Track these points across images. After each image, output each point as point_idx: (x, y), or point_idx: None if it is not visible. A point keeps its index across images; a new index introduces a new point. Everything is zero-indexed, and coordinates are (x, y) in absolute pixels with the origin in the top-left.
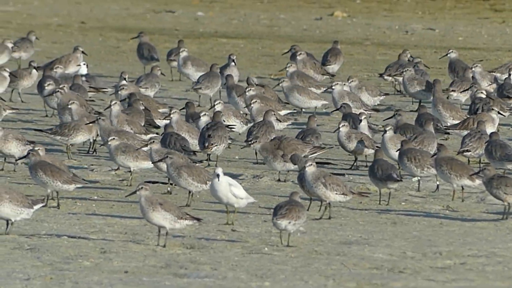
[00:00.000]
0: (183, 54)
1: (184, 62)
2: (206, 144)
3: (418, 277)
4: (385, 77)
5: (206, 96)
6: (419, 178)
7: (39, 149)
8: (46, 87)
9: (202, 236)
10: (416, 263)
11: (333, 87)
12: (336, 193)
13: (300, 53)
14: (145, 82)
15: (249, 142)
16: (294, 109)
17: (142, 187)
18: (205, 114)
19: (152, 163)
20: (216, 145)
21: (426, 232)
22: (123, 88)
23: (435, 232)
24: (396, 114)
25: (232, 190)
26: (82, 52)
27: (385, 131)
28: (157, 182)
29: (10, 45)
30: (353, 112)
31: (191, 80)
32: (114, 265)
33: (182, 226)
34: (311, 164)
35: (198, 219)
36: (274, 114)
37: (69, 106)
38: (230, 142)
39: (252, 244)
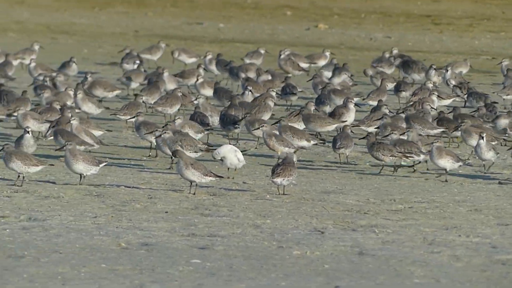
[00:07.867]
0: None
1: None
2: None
3: (378, 217)
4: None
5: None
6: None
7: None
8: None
9: (222, 187)
10: (376, 207)
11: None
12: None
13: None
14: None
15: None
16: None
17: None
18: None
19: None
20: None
21: (384, 185)
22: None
23: (390, 185)
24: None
25: (237, 156)
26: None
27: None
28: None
29: (37, 47)
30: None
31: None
32: (158, 208)
33: (207, 181)
34: None
35: (221, 177)
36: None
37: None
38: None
39: (258, 193)
